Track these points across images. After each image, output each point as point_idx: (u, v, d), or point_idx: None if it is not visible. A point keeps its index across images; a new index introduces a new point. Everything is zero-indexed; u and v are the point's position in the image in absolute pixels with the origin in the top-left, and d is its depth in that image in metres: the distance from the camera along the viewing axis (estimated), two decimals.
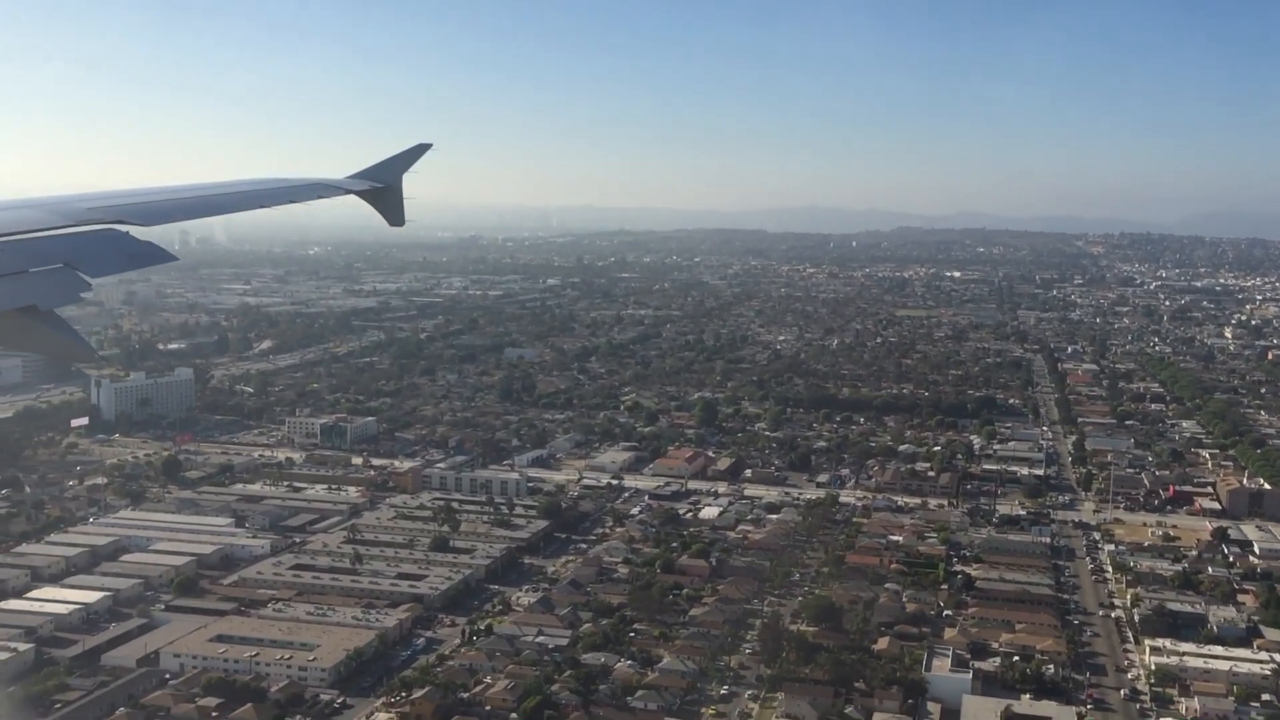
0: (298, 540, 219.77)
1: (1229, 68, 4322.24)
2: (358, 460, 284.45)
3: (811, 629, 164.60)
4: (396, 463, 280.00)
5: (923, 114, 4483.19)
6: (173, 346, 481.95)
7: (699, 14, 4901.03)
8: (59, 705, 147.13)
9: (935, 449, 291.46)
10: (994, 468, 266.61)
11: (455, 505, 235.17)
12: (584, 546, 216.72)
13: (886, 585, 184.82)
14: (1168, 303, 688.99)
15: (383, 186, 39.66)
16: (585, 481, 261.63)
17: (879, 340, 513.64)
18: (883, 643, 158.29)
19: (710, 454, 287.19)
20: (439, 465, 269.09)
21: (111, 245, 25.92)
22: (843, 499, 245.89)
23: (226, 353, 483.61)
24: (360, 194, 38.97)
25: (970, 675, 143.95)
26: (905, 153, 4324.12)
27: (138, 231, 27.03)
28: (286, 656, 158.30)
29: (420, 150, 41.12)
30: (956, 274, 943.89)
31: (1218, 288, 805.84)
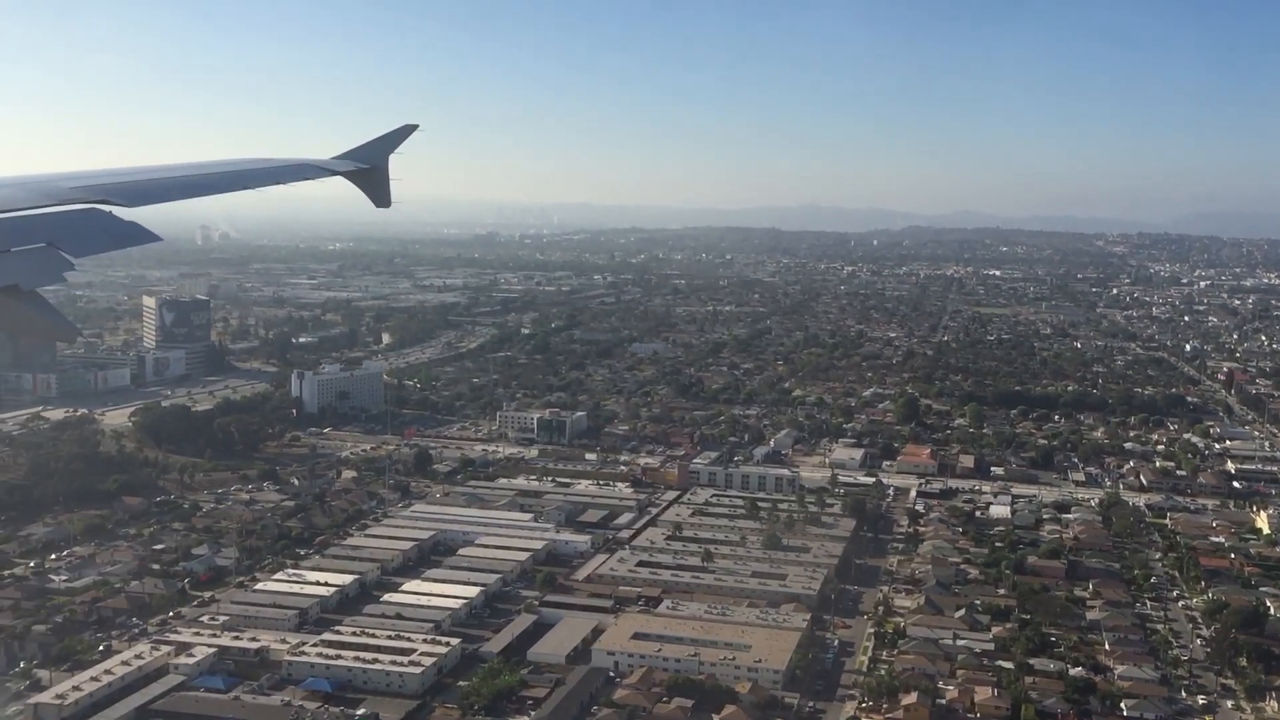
0: (610, 535, 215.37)
1: (1220, 71, 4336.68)
2: (591, 455, 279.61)
3: (1239, 635, 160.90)
4: (641, 459, 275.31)
5: (918, 115, 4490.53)
6: (304, 340, 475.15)
7: (695, 12, 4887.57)
8: (530, 702, 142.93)
9: (1159, 446, 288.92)
10: (1252, 467, 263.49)
11: (756, 503, 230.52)
12: (898, 545, 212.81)
13: (1261, 589, 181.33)
14: (1236, 301, 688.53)
15: (369, 168, 38.57)
16: (840, 478, 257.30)
17: (994, 337, 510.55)
18: None
19: (936, 450, 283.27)
20: (697, 461, 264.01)
21: (95, 225, 25.34)
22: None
23: (355, 346, 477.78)
24: (346, 175, 37.81)
25: None
26: (901, 153, 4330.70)
27: (121, 211, 26.37)
28: (730, 657, 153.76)
29: (407, 131, 39.69)
30: (997, 272, 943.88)
31: (1264, 285, 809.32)
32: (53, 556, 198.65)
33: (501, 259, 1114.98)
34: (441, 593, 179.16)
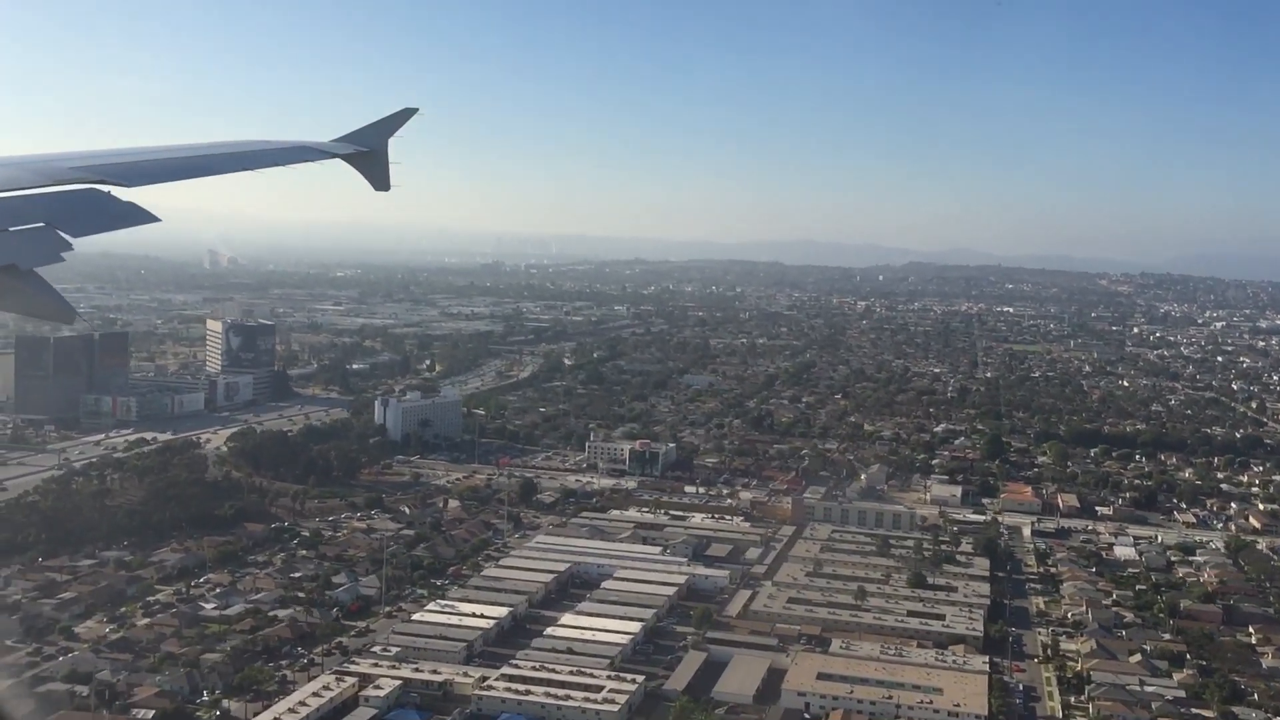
0: (744, 570, 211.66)
1: (1213, 114, 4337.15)
2: (690, 488, 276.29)
3: None
4: (740, 492, 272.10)
5: (912, 152, 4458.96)
6: (357, 366, 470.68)
7: (687, 47, 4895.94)
8: None
9: (1253, 488, 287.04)
10: None
11: (888, 540, 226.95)
12: (1035, 585, 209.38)
13: None
14: (1260, 343, 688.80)
15: (368, 151, 38.29)
16: (952, 515, 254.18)
17: (1038, 375, 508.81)
18: None
19: (1037, 489, 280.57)
20: (806, 496, 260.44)
21: (93, 205, 25.27)
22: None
23: (407, 373, 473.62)
24: (345, 158, 37.48)
25: None
26: (896, 190, 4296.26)
27: (120, 192, 26.14)
28: (926, 700, 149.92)
29: (406, 114, 39.45)
30: (1009, 309, 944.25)
31: None
32: (192, 583, 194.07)
33: (514, 287, 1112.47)
34: (604, 627, 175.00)
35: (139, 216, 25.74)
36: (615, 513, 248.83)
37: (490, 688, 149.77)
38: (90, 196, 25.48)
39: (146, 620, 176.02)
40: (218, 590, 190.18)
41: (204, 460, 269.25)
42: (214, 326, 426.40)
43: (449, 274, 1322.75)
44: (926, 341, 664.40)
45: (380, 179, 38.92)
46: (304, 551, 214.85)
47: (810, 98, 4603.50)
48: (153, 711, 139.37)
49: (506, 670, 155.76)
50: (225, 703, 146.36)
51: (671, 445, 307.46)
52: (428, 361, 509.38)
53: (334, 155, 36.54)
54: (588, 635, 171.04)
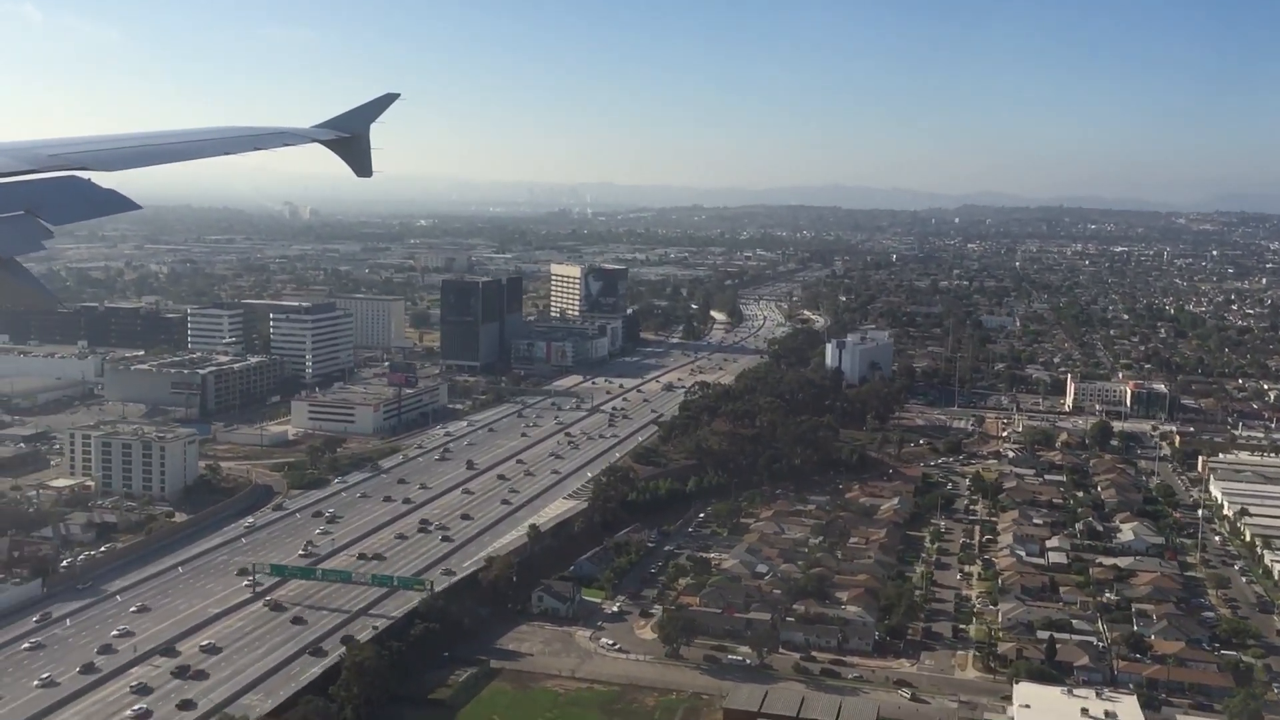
0: None
1: (1236, 57, 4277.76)
2: (1240, 432, 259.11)
3: None
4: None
5: (935, 94, 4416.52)
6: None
7: None
8: None
9: None
10: None
11: None
12: None
13: None
14: None
15: (350, 136, 35.99)
16: None
17: None
18: None
19: None
20: None
21: (74, 192, 23.54)
22: None
23: (697, 320, 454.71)
24: (327, 143, 35.38)
25: None
26: (915, 133, 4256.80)
27: (100, 178, 24.24)
28: None
29: (388, 100, 37.20)
30: (1122, 248, 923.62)
31: None
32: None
33: (613, 235, 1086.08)
34: None
35: (120, 204, 23.92)
36: (1229, 456, 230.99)
37: None
38: (71, 184, 23.61)
39: (974, 567, 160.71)
40: (1012, 534, 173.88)
41: (768, 404, 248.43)
42: (563, 272, 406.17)
43: (519, 223, 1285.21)
44: (1124, 283, 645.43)
45: (362, 165, 36.58)
46: (977, 498, 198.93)
47: (827, 39, 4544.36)
48: None
49: None
50: None
51: (1160, 386, 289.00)
52: (694, 307, 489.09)
53: (315, 140, 34.49)
54: None
